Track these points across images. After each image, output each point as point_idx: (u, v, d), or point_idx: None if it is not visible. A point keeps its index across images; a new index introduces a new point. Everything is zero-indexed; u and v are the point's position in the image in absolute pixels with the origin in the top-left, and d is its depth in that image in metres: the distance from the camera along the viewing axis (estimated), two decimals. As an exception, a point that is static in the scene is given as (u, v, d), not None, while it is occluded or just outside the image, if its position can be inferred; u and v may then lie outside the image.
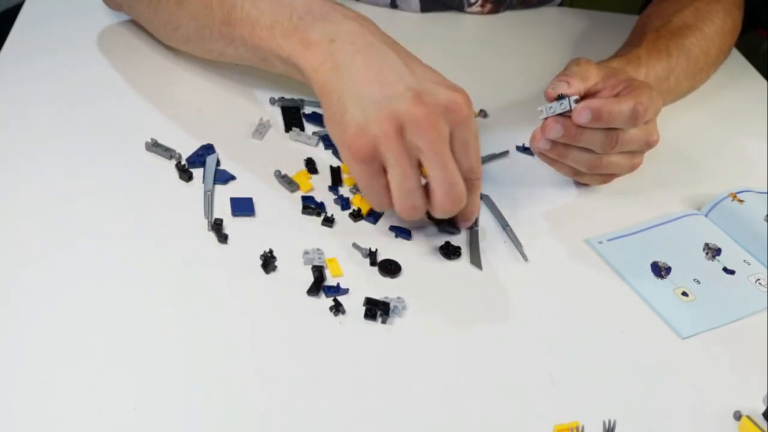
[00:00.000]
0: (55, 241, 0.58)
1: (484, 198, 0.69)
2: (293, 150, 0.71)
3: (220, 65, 0.78)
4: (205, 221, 0.62)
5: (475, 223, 0.66)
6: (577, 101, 0.63)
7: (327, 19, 0.61)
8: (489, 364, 0.55)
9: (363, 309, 0.57)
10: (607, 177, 0.70)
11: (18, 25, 0.80)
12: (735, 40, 0.90)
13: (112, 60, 0.78)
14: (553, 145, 0.65)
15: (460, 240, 0.64)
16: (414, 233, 0.64)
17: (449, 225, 0.64)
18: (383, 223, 0.65)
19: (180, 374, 0.51)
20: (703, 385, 0.57)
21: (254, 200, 0.64)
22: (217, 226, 0.61)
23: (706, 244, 0.68)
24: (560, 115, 0.63)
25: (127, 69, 0.77)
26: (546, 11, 1.02)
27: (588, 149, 0.65)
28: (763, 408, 0.54)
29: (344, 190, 0.67)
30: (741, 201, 0.71)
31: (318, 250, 0.60)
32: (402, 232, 0.63)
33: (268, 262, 0.58)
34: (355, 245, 0.62)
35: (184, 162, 0.67)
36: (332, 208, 0.65)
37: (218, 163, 0.67)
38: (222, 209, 0.63)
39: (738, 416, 0.54)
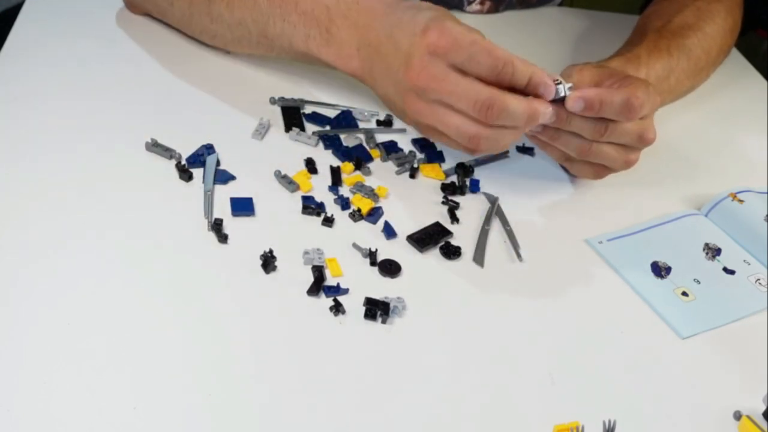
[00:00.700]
0: (55, 241, 0.58)
1: (489, 197, 0.69)
2: (293, 150, 0.71)
3: (220, 65, 0.78)
4: (205, 221, 0.62)
5: (487, 222, 0.66)
6: (571, 89, 0.63)
7: (349, 20, 0.68)
8: (489, 364, 0.55)
9: (363, 309, 0.57)
10: (600, 169, 0.69)
11: (18, 25, 0.80)
12: (735, 40, 0.90)
13: (112, 60, 0.78)
14: (545, 127, 0.65)
15: (460, 240, 0.64)
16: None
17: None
18: (383, 223, 0.65)
19: (180, 374, 0.51)
20: (703, 385, 0.57)
21: (254, 200, 0.64)
22: (217, 226, 0.61)
23: (706, 244, 0.68)
24: (553, 101, 0.63)
25: (127, 69, 0.77)
26: (546, 11, 1.02)
27: (579, 135, 0.65)
28: (763, 408, 0.54)
29: (344, 190, 0.67)
30: (741, 201, 0.71)
31: (318, 250, 0.60)
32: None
33: (268, 262, 0.58)
34: (355, 245, 0.62)
35: (184, 162, 0.67)
36: (332, 208, 0.65)
37: (218, 163, 0.67)
38: (222, 209, 0.63)
39: (738, 416, 0.54)
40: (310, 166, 0.69)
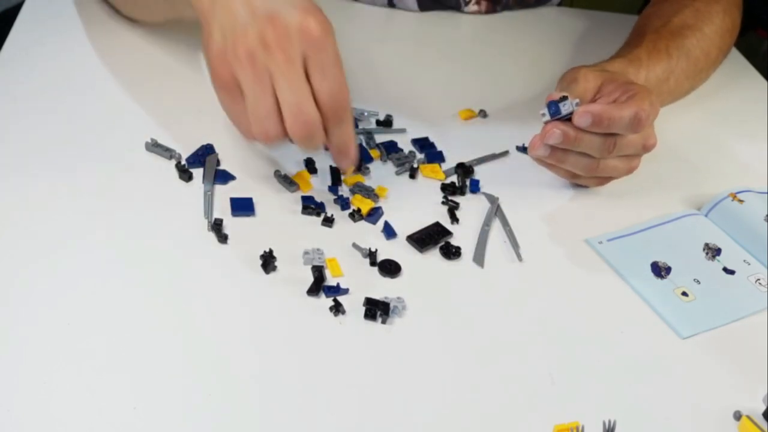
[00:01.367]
0: (55, 241, 0.58)
1: (489, 197, 0.69)
2: (293, 150, 0.71)
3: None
4: (205, 221, 0.62)
5: (487, 222, 0.66)
6: (578, 104, 0.63)
7: None
8: (489, 364, 0.55)
9: (363, 309, 0.57)
10: (604, 179, 0.70)
11: (18, 25, 0.80)
12: (734, 40, 0.89)
13: (112, 60, 0.78)
14: (552, 150, 0.65)
15: (460, 240, 0.64)
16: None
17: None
18: (383, 224, 0.65)
19: (180, 374, 0.51)
20: (703, 385, 0.57)
21: (254, 200, 0.64)
22: (217, 226, 0.61)
23: (706, 244, 0.68)
24: (559, 119, 0.63)
25: (127, 69, 0.77)
26: (544, 11, 1.02)
27: (586, 154, 0.65)
28: (763, 408, 0.54)
29: (344, 190, 0.67)
30: (741, 201, 0.71)
31: (318, 250, 0.60)
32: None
33: (268, 262, 0.58)
34: (355, 245, 0.62)
35: (184, 162, 0.67)
36: (332, 208, 0.65)
37: (218, 163, 0.67)
38: (222, 209, 0.63)
39: (738, 416, 0.54)
40: (310, 166, 0.69)
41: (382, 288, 0.59)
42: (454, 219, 0.66)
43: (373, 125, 0.76)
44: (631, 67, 0.74)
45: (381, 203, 0.67)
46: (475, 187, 0.70)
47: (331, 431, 0.50)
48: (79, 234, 0.59)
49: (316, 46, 0.56)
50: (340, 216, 0.65)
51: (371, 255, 0.61)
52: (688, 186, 0.75)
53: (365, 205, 0.65)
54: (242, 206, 0.63)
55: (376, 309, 0.56)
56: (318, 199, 0.66)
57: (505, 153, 0.75)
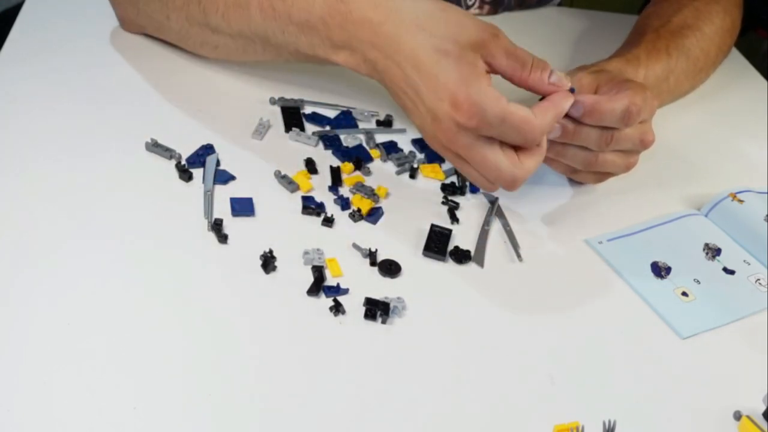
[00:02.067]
0: (55, 241, 0.58)
1: (489, 197, 0.69)
2: (293, 150, 0.71)
3: (220, 65, 0.78)
4: (205, 221, 0.62)
5: (486, 222, 0.66)
6: (572, 91, 0.63)
7: (348, 33, 0.64)
8: (489, 364, 0.55)
9: (363, 309, 0.57)
10: (602, 176, 0.70)
11: (18, 25, 0.80)
12: (734, 40, 0.89)
13: (112, 60, 0.78)
14: (551, 144, 0.65)
15: (460, 240, 0.64)
16: (413, 234, 0.64)
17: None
18: (383, 223, 0.65)
19: (180, 374, 0.51)
20: (703, 385, 0.57)
21: (254, 200, 0.64)
22: (217, 226, 0.61)
23: (706, 244, 0.68)
24: None
25: (127, 69, 0.77)
26: (545, 11, 1.02)
27: (584, 147, 0.66)
28: (763, 408, 0.54)
29: (344, 190, 0.67)
30: (741, 201, 0.71)
31: (318, 250, 0.60)
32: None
33: (268, 262, 0.58)
34: (355, 245, 0.62)
35: (184, 162, 0.67)
36: (332, 208, 0.65)
37: (218, 163, 0.67)
38: (222, 209, 0.63)
39: (738, 416, 0.54)
40: (310, 166, 0.69)
41: (382, 288, 0.59)
42: (454, 219, 0.66)
43: (373, 125, 0.76)
44: (629, 67, 0.74)
45: (381, 203, 0.67)
46: (475, 187, 0.70)
47: (331, 431, 0.50)
48: (79, 234, 0.59)
49: (473, 128, 0.58)
50: (340, 216, 0.65)
51: (371, 255, 0.61)
52: (688, 186, 0.75)
53: (365, 205, 0.65)
54: (242, 206, 0.63)
55: (376, 309, 0.56)
56: (318, 199, 0.66)
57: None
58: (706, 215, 0.71)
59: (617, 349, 0.58)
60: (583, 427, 0.51)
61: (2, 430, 0.46)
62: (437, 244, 0.63)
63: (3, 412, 0.47)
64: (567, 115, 0.63)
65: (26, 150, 0.66)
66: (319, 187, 0.67)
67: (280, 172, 0.67)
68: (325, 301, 0.57)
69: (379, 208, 0.66)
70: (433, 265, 0.62)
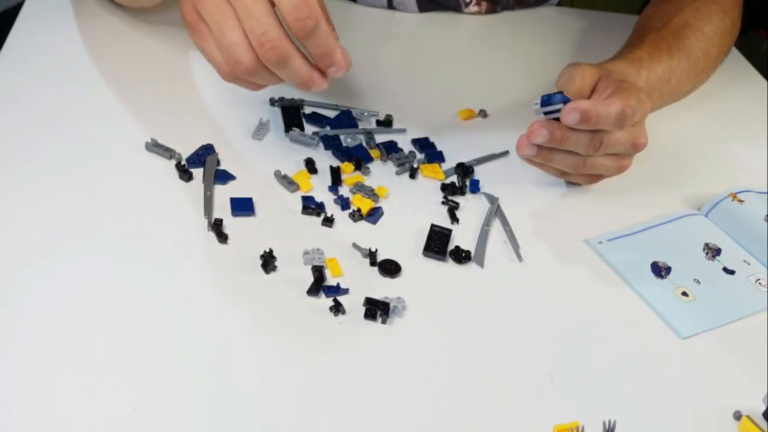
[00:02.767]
0: (55, 241, 0.58)
1: (490, 197, 0.69)
2: (293, 150, 0.71)
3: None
4: (205, 221, 0.62)
5: (486, 222, 0.66)
6: (567, 101, 0.63)
7: None
8: (489, 364, 0.55)
9: (363, 309, 0.57)
10: (595, 177, 0.70)
11: (18, 25, 0.80)
12: (734, 40, 0.90)
13: (113, 60, 0.78)
14: (539, 149, 0.65)
15: (460, 240, 0.64)
16: (413, 234, 0.64)
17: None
18: (383, 223, 0.65)
19: (180, 374, 0.51)
20: (703, 385, 0.57)
21: (254, 200, 0.64)
22: (217, 226, 0.61)
23: (706, 244, 0.68)
24: (551, 112, 0.63)
25: (127, 68, 0.77)
26: (544, 11, 1.02)
27: (573, 152, 0.66)
28: (763, 408, 0.54)
29: (344, 190, 0.67)
30: (741, 201, 0.71)
31: (318, 250, 0.60)
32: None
33: (268, 262, 0.58)
34: (355, 245, 0.62)
35: (184, 162, 0.67)
36: (332, 208, 0.65)
37: (218, 163, 0.67)
38: (222, 209, 0.63)
39: (738, 416, 0.54)
40: (310, 166, 0.69)
41: (382, 288, 0.59)
42: (454, 219, 0.66)
43: (373, 125, 0.76)
44: (632, 68, 0.74)
45: (381, 203, 0.67)
46: (475, 187, 0.70)
47: (330, 431, 0.50)
48: (79, 234, 0.59)
49: None
50: (340, 216, 0.65)
51: (371, 255, 0.61)
52: (688, 186, 0.75)
53: (365, 205, 0.65)
54: (242, 206, 0.63)
55: (376, 309, 0.56)
56: (318, 199, 0.66)
57: (505, 153, 0.75)
58: (706, 215, 0.71)
59: (617, 349, 0.58)
60: (583, 427, 0.51)
61: (2, 430, 0.46)
62: (437, 244, 0.63)
63: (3, 412, 0.47)
64: (559, 121, 0.63)
65: (26, 150, 0.66)
66: (319, 187, 0.67)
67: (280, 172, 0.67)
68: (325, 301, 0.57)
69: (379, 208, 0.66)
70: (433, 265, 0.62)
